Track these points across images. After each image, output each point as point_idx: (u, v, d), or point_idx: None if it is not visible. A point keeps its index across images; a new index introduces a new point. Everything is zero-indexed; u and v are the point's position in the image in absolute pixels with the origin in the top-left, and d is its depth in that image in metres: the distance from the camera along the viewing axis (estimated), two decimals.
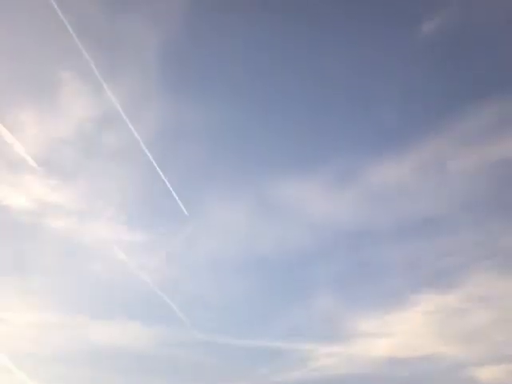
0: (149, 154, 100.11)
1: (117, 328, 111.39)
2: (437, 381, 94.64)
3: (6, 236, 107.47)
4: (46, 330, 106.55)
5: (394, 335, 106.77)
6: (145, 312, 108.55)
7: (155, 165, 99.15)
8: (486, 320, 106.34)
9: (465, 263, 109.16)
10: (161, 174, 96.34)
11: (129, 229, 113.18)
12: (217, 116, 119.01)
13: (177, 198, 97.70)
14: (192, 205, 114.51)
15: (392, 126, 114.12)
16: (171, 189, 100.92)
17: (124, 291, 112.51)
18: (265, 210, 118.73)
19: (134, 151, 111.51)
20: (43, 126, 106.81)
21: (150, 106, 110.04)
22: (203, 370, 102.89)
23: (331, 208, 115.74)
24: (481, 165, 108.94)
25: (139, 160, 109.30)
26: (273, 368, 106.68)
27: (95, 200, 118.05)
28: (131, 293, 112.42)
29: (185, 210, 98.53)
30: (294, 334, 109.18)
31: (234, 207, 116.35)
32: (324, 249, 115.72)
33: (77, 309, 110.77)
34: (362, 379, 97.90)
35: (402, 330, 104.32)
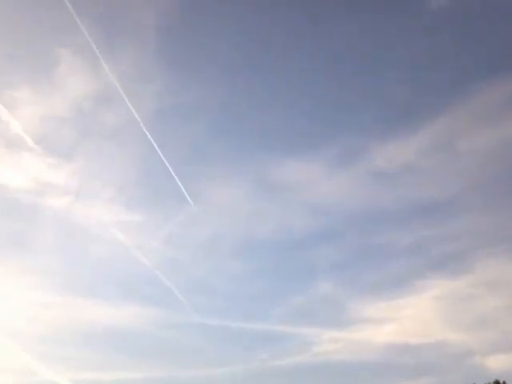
0: (147, 133, 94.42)
1: (115, 309, 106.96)
2: (444, 369, 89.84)
3: (3, 215, 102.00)
4: (44, 310, 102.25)
5: (399, 321, 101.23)
6: (143, 293, 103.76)
7: (154, 144, 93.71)
8: (495, 306, 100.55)
9: (474, 248, 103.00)
10: (160, 153, 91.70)
11: (127, 209, 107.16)
12: (217, 94, 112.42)
13: (176, 179, 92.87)
14: (192, 185, 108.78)
15: (400, 104, 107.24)
16: (170, 169, 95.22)
17: (122, 272, 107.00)
18: (266, 190, 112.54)
19: (132, 130, 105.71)
20: (40, 104, 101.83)
21: (149, 84, 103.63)
22: (202, 353, 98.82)
23: (335, 189, 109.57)
24: (493, 144, 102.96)
25: (138, 139, 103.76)
26: (273, 352, 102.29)
27: (93, 179, 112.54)
28: (130, 274, 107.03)
29: (184, 191, 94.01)
30: (296, 318, 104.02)
31: (235, 188, 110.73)
32: (327, 231, 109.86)
33: (75, 289, 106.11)
34: (367, 366, 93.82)
35: (408, 315, 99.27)
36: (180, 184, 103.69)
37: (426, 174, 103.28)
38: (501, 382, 50.83)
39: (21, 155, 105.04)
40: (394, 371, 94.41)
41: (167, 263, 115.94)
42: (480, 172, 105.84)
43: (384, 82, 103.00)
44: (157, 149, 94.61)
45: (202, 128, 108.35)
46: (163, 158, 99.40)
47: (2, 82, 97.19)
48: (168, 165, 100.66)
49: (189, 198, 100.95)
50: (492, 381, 51.16)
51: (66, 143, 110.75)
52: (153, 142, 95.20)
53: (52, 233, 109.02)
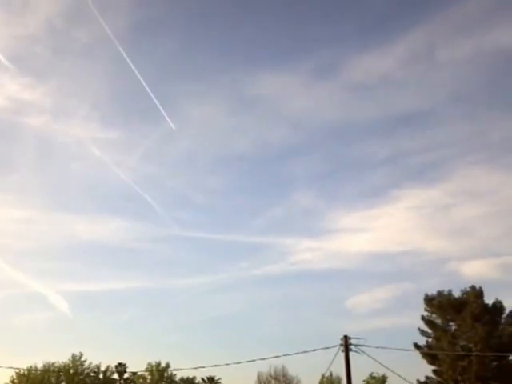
0: (121, 50, 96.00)
1: (97, 224, 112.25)
2: (420, 274, 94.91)
3: None
4: (29, 226, 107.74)
5: (376, 230, 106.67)
6: (124, 208, 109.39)
7: (128, 61, 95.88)
8: (473, 215, 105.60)
9: (452, 157, 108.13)
10: (134, 69, 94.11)
11: (104, 126, 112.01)
12: (191, 7, 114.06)
13: (152, 95, 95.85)
14: (167, 101, 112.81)
15: (377, 14, 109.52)
16: (145, 85, 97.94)
17: (102, 188, 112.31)
18: (242, 105, 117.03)
19: (105, 47, 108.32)
20: (13, 24, 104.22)
21: None
22: (183, 264, 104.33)
23: (312, 102, 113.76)
24: (474, 54, 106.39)
25: (111, 56, 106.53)
26: (253, 262, 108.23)
27: (69, 98, 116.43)
28: (109, 190, 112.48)
29: (160, 108, 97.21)
30: (274, 229, 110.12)
31: (211, 104, 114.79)
32: (305, 144, 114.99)
33: (57, 205, 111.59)
34: (343, 273, 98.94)
35: (385, 225, 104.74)
36: (156, 101, 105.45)
37: (405, 85, 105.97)
38: (477, 287, 52.31)
39: None
40: (371, 278, 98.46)
41: (146, 179, 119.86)
42: (459, 82, 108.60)
43: None
44: (131, 65, 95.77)
45: (176, 41, 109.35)
46: (138, 75, 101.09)
47: None
48: (143, 81, 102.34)
49: (165, 115, 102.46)
50: (468, 286, 53.06)
51: (40, 62, 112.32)
52: (126, 58, 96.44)
53: (31, 151, 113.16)
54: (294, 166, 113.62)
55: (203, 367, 38.26)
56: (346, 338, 22.72)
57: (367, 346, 22.65)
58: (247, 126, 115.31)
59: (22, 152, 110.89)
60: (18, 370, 72.75)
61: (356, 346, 22.62)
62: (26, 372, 73.59)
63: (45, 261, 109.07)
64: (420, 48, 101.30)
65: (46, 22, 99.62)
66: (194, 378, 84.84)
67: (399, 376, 25.31)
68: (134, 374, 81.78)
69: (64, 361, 76.64)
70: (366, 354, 22.58)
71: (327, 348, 22.40)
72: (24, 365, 75.40)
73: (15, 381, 74.25)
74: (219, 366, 28.49)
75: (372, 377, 70.51)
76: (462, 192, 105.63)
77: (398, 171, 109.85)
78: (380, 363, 23.06)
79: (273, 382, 75.59)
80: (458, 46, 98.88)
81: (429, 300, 53.39)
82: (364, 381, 70.78)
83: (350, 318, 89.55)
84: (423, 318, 53.29)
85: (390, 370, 24.09)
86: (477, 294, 51.58)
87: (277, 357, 24.63)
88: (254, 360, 24.13)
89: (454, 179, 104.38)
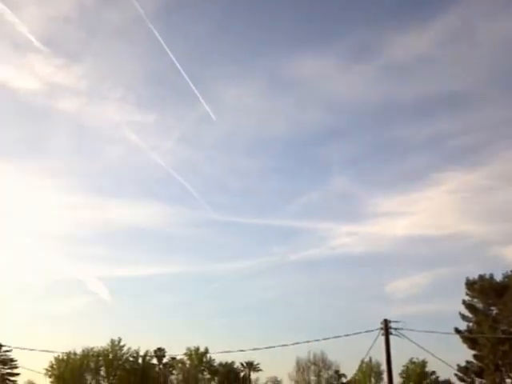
0: (155, 31, 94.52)
1: (135, 208, 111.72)
2: (461, 259, 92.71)
3: (16, 119, 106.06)
4: (67, 211, 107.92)
5: (416, 214, 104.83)
6: (160, 193, 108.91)
7: (162, 42, 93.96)
8: None
9: (492, 140, 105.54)
10: (168, 51, 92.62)
11: (139, 109, 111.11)
12: None
13: (186, 78, 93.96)
14: (202, 83, 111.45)
15: None
16: (180, 67, 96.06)
17: (138, 173, 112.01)
18: (278, 87, 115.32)
19: (139, 28, 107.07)
20: (44, 5, 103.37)
21: None
22: (219, 249, 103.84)
23: (349, 84, 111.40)
24: None
25: (145, 37, 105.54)
26: (289, 246, 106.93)
27: (103, 80, 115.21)
28: (145, 174, 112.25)
29: (195, 90, 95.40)
30: (311, 213, 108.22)
31: (247, 86, 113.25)
32: (341, 127, 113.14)
33: (94, 190, 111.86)
34: (383, 257, 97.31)
35: (425, 208, 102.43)
36: (191, 83, 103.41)
37: (444, 65, 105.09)
38: None
39: (28, 57, 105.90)
40: (410, 262, 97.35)
41: (182, 163, 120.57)
42: (499, 62, 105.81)
43: None
44: (165, 46, 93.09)
45: (211, 22, 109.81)
46: (172, 57, 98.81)
47: None
48: (177, 64, 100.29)
49: (200, 98, 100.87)
50: (510, 270, 52.24)
51: (72, 43, 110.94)
52: (160, 39, 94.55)
53: (66, 135, 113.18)
54: (331, 148, 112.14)
55: (243, 351, 38.17)
56: (385, 321, 22.23)
57: (407, 329, 22.13)
58: (284, 109, 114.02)
59: (56, 136, 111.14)
60: (57, 355, 73.56)
61: (396, 329, 22.12)
62: (64, 357, 74.14)
63: (83, 246, 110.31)
64: (459, 27, 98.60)
65: (78, 3, 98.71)
66: (233, 362, 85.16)
67: (441, 360, 24.64)
68: (173, 358, 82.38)
69: (103, 346, 77.40)
70: (406, 337, 22.05)
71: (368, 332, 21.90)
72: (63, 350, 76.66)
73: (54, 366, 75.27)
74: (259, 349, 28.14)
75: (412, 362, 69.85)
76: (503, 175, 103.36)
77: (437, 154, 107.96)
78: (420, 347, 22.48)
79: (312, 367, 75.54)
80: (498, 25, 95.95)
81: (470, 284, 52.41)
82: (404, 366, 70.20)
83: (389, 303, 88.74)
84: (464, 302, 52.38)
85: (430, 353, 23.47)
86: None
87: (316, 340, 24.15)
88: (295, 343, 23.71)
89: (495, 162, 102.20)
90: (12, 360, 76.04)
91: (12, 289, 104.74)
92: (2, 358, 76.62)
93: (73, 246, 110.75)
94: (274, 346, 24.92)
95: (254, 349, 31.36)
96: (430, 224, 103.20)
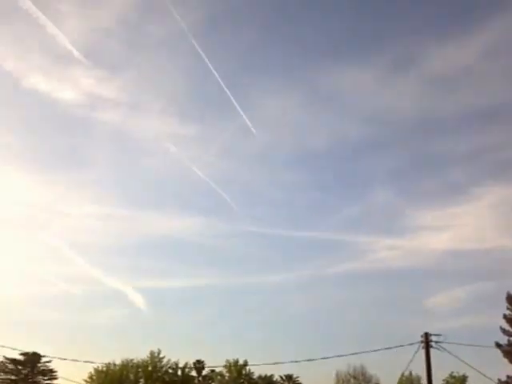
0: (195, 44, 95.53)
1: (172, 220, 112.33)
2: (500, 273, 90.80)
3: (58, 130, 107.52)
4: (106, 222, 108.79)
5: (457, 228, 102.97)
6: (199, 204, 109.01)
7: (203, 55, 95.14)
8: None
9: None
10: (209, 64, 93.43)
11: (180, 122, 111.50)
12: (267, 1, 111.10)
13: (227, 90, 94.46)
14: (242, 96, 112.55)
15: (455, 2, 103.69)
16: (220, 80, 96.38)
17: (177, 184, 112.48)
18: (318, 100, 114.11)
19: (180, 41, 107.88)
20: (86, 17, 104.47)
21: None
22: (257, 261, 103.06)
23: (388, 98, 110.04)
24: None
25: (186, 50, 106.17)
26: (329, 259, 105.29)
27: (144, 92, 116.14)
28: (184, 186, 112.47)
29: (235, 103, 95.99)
30: (351, 226, 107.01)
31: (287, 98, 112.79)
32: (383, 140, 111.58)
33: (132, 201, 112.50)
34: (424, 272, 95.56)
35: (466, 223, 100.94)
36: (231, 96, 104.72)
37: (486, 78, 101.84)
38: None
39: (70, 69, 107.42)
40: (450, 277, 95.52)
41: (221, 175, 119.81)
42: None
43: None
44: (205, 59, 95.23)
45: (252, 37, 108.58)
46: (212, 69, 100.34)
47: None
48: (217, 76, 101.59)
49: (240, 110, 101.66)
50: None
51: (114, 56, 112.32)
52: (201, 52, 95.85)
53: (106, 146, 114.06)
54: (371, 162, 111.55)
55: (282, 363, 38.41)
56: (426, 334, 22.51)
57: (447, 342, 22.34)
58: (323, 122, 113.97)
59: (97, 147, 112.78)
60: (96, 366, 73.90)
61: (436, 342, 22.34)
62: (104, 368, 74.47)
63: (121, 257, 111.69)
64: (501, 39, 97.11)
65: (120, 16, 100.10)
66: (272, 375, 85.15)
67: (482, 374, 24.74)
68: (213, 371, 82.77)
69: (142, 357, 77.69)
70: (446, 350, 22.27)
71: (409, 345, 22.19)
72: (102, 361, 77.40)
73: (93, 377, 75.29)
74: (298, 361, 28.52)
75: (452, 376, 69.09)
76: None
77: (478, 168, 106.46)
78: (461, 360, 22.66)
79: (352, 380, 75.16)
80: None
81: (511, 298, 52.03)
82: (444, 380, 69.47)
83: (429, 317, 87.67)
84: (505, 316, 51.95)
85: (471, 367, 23.60)
86: None
87: (355, 354, 24.46)
88: (336, 356, 24.02)
89: None
90: (52, 371, 77.51)
91: (54, 299, 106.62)
92: (42, 368, 78.17)
93: (110, 257, 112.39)
94: (314, 359, 25.25)
95: (294, 361, 31.67)
96: (470, 238, 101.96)
